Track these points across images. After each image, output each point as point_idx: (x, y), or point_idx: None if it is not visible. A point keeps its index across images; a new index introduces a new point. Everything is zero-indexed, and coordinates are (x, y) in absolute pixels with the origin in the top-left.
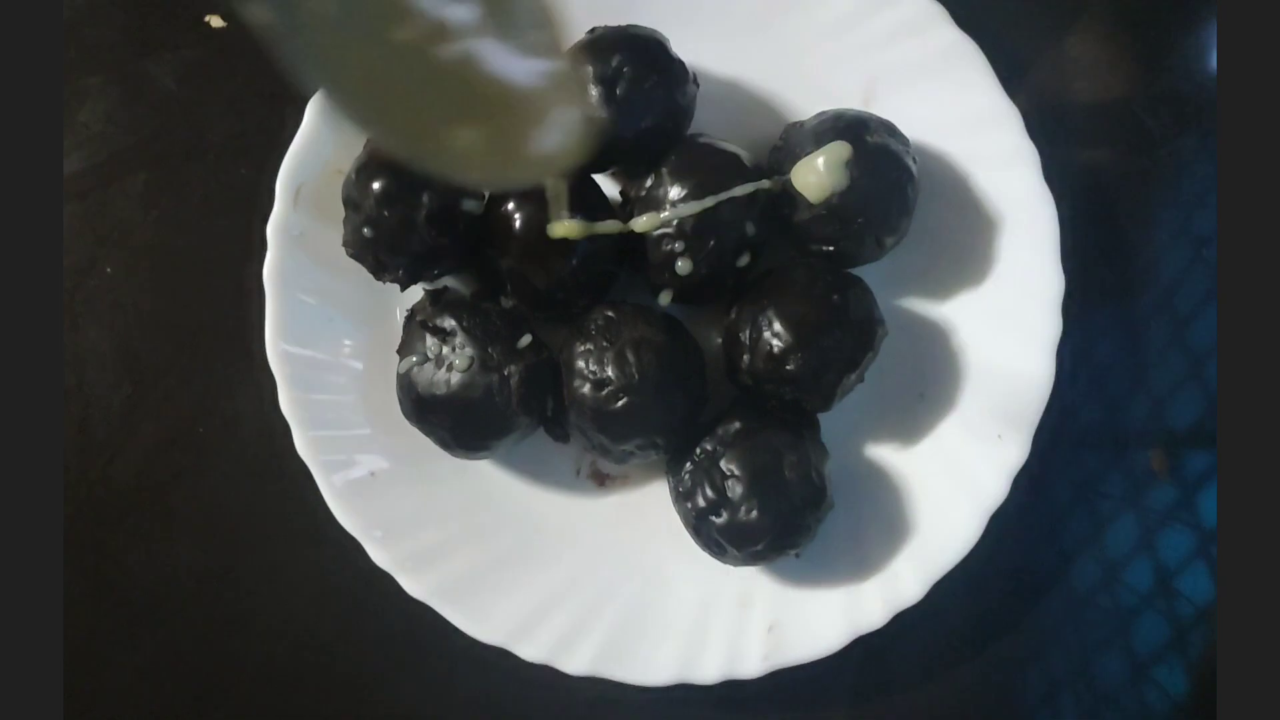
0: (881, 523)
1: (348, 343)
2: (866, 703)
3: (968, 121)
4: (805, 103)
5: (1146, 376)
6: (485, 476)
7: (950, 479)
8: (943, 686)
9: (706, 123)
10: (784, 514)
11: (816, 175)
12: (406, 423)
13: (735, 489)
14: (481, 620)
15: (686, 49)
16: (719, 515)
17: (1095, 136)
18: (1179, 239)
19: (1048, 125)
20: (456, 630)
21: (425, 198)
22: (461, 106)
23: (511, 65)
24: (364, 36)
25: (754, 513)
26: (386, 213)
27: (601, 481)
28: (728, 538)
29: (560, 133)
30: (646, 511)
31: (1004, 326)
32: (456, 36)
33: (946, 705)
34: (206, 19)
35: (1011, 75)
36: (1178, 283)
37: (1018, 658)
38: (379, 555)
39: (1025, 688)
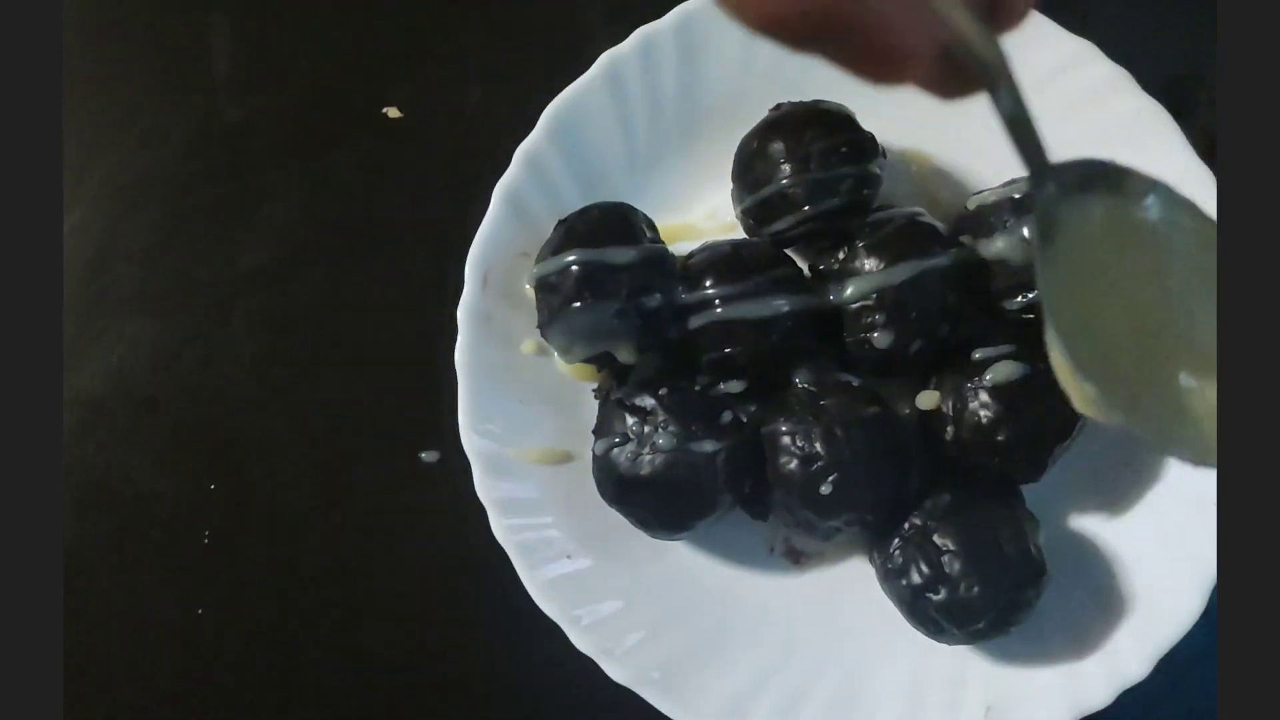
0: (1095, 595)
1: (539, 424)
2: None
3: None
4: (988, 170)
5: None
6: (680, 556)
7: (1167, 548)
8: None
9: (891, 192)
10: (1005, 590)
11: (1021, 244)
12: (601, 503)
13: (953, 565)
14: (688, 706)
15: (869, 120)
16: (937, 592)
17: None
18: None
19: None
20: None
21: (623, 278)
22: None
23: None
24: None
25: (975, 589)
26: (587, 294)
27: (796, 559)
28: (947, 616)
29: None
30: (845, 588)
31: None
32: None
33: None
34: (384, 110)
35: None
36: None
37: None
38: (581, 641)
39: None
